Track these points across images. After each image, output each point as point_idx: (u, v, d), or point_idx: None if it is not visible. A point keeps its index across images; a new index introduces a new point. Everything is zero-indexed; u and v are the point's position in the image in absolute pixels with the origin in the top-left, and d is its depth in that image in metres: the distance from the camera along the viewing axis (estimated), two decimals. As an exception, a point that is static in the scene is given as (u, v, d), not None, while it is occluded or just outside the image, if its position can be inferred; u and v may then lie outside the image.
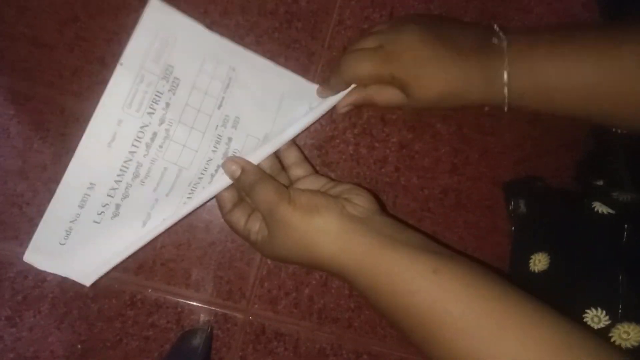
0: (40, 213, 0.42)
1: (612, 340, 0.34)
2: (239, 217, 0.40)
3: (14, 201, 0.43)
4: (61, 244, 0.39)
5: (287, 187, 0.40)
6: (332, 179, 0.41)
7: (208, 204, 0.42)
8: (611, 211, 0.38)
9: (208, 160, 0.41)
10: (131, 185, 0.40)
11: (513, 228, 0.46)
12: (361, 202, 0.36)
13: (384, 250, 0.33)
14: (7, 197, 0.43)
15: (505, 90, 0.37)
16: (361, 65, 0.39)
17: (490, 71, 0.37)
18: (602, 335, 0.34)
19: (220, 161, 0.41)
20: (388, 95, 0.40)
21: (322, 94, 0.42)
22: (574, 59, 0.37)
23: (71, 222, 0.39)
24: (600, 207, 0.39)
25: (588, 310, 0.35)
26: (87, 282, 0.39)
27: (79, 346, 0.43)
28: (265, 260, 0.45)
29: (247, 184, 0.38)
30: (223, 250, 0.45)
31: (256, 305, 0.45)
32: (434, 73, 0.37)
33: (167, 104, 0.41)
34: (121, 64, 0.40)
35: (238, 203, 0.41)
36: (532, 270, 0.41)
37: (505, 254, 0.46)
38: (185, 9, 0.43)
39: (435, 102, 0.39)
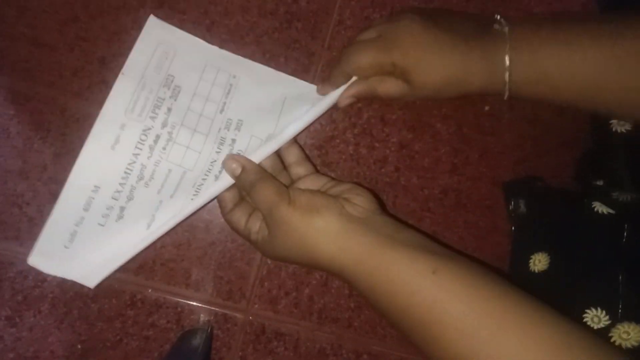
0: (41, 213, 0.43)
1: (612, 340, 0.34)
2: (240, 217, 0.40)
3: (14, 201, 0.43)
4: (66, 247, 0.39)
5: (287, 186, 0.40)
6: (333, 178, 0.41)
7: (208, 204, 0.42)
8: (611, 211, 0.38)
9: (212, 162, 0.41)
10: (135, 187, 0.40)
11: (513, 228, 0.46)
12: (361, 202, 0.36)
13: (383, 250, 0.33)
14: (7, 197, 0.43)
15: (507, 76, 0.37)
16: (361, 55, 0.39)
17: (492, 57, 0.37)
18: (602, 335, 0.34)
19: None
20: (390, 85, 0.40)
21: (323, 91, 0.42)
22: (576, 45, 0.36)
23: (76, 225, 0.39)
24: (600, 207, 0.39)
25: (588, 310, 0.35)
26: (92, 284, 0.39)
27: (79, 346, 0.43)
28: (266, 260, 0.45)
29: (247, 182, 0.38)
30: (223, 250, 0.45)
31: (256, 305, 0.45)
32: (434, 59, 0.37)
33: (169, 109, 0.41)
34: (123, 74, 0.40)
35: (239, 203, 0.41)
36: (532, 270, 0.41)
37: (505, 254, 0.46)
38: (186, 8, 0.43)
39: (437, 90, 0.38)
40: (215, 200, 0.41)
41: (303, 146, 0.45)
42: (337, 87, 0.41)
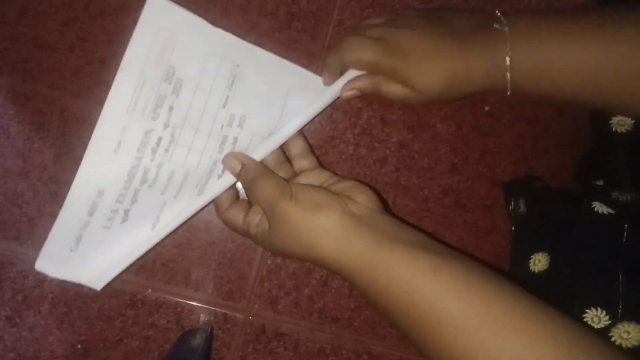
0: (41, 213, 0.43)
1: (612, 340, 0.34)
2: (237, 213, 0.40)
3: (14, 201, 0.43)
4: (71, 251, 0.39)
5: (289, 179, 0.40)
6: (336, 174, 0.41)
7: (210, 204, 0.42)
8: (611, 211, 0.38)
9: (214, 161, 0.41)
10: (139, 190, 0.40)
11: (513, 228, 0.46)
12: (364, 200, 0.36)
13: (383, 248, 0.33)
14: (7, 197, 0.43)
15: (508, 73, 0.37)
16: (365, 51, 0.38)
17: (493, 55, 0.37)
18: (602, 335, 0.34)
19: None
20: (394, 87, 0.39)
21: (328, 81, 0.42)
22: (577, 40, 0.36)
23: (81, 229, 0.39)
24: (600, 207, 0.39)
25: (588, 310, 0.35)
26: (98, 286, 0.39)
27: (79, 346, 0.43)
28: (266, 260, 0.45)
29: (247, 179, 0.38)
30: (223, 250, 0.45)
31: (256, 305, 0.45)
32: (435, 66, 0.37)
33: (171, 108, 0.41)
34: (122, 70, 0.40)
35: (234, 201, 0.41)
36: (532, 270, 0.41)
37: (505, 254, 0.46)
38: (186, 8, 0.43)
39: (441, 94, 0.38)
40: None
41: (303, 146, 0.45)
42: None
